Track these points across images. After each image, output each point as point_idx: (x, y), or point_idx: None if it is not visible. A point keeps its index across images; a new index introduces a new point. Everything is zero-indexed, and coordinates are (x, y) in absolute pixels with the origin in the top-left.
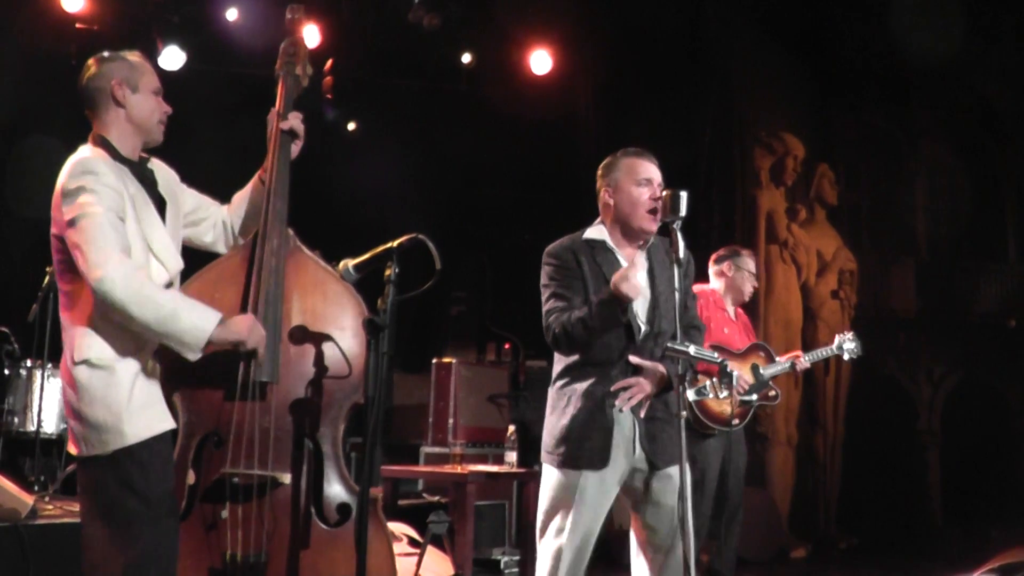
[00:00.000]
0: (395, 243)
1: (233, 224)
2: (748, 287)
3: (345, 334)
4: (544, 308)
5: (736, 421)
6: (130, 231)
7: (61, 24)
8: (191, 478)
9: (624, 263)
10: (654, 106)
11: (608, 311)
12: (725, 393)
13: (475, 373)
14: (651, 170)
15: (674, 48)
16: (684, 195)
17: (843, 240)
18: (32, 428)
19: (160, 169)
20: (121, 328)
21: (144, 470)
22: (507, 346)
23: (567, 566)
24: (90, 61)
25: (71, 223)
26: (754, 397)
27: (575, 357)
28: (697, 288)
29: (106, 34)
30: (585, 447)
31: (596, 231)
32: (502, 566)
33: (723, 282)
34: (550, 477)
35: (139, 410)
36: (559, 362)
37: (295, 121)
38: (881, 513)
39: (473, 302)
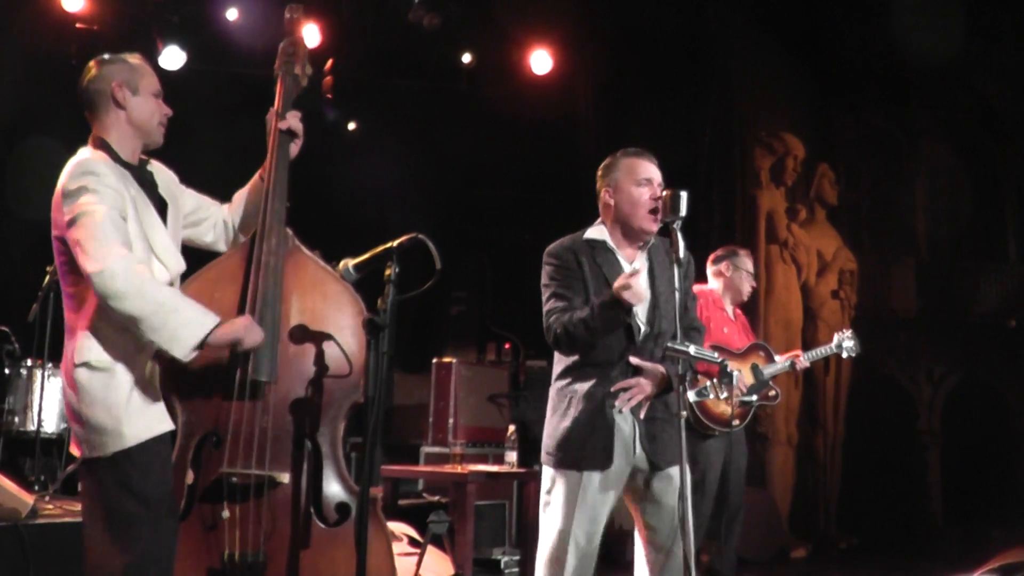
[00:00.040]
0: (395, 243)
1: (234, 222)
2: (746, 287)
3: (344, 333)
4: (544, 308)
5: (736, 422)
6: (132, 232)
7: (61, 24)
8: (190, 478)
9: (624, 263)
10: (654, 106)
11: (610, 314)
12: (725, 394)
13: (475, 373)
14: (651, 170)
15: (674, 48)
16: (684, 195)
17: (843, 240)
18: (32, 428)
19: (160, 171)
20: (122, 331)
21: (143, 471)
22: (507, 346)
23: (572, 568)
24: (90, 63)
25: (72, 222)
26: (754, 398)
27: (575, 358)
28: (696, 288)
29: (106, 34)
30: (587, 448)
31: (597, 231)
32: (502, 566)
33: (721, 282)
34: (552, 479)
35: (138, 412)
36: (559, 363)
37: (293, 121)
38: (881, 513)
39: (473, 302)
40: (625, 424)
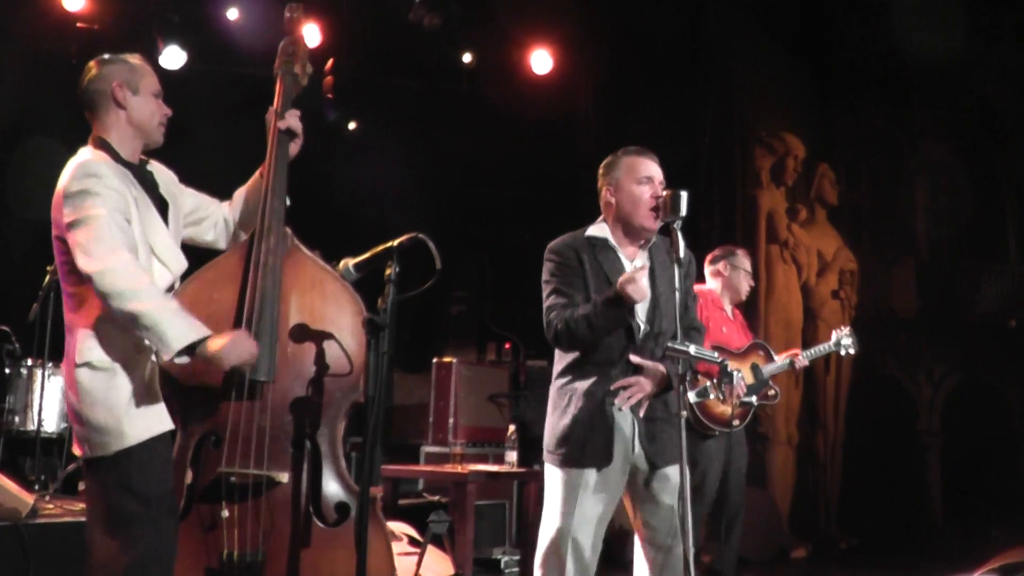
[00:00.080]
0: (395, 242)
1: (234, 219)
2: (745, 286)
3: (343, 333)
4: (545, 304)
5: (736, 422)
6: (135, 234)
7: (62, 23)
8: (189, 477)
9: (625, 261)
10: (654, 106)
11: (612, 311)
12: (725, 395)
13: (475, 373)
14: (652, 168)
15: (674, 48)
16: (684, 195)
17: (843, 240)
18: (33, 427)
19: (160, 171)
20: (123, 331)
21: (144, 471)
22: (507, 346)
23: (571, 566)
24: (90, 63)
25: (74, 225)
26: (754, 398)
27: (575, 356)
28: (695, 288)
29: (107, 34)
30: (586, 446)
31: (598, 229)
32: (502, 566)
33: (720, 282)
34: (553, 476)
35: (139, 412)
36: (560, 361)
37: (292, 120)
38: (881, 513)
39: (473, 302)
40: (625, 423)
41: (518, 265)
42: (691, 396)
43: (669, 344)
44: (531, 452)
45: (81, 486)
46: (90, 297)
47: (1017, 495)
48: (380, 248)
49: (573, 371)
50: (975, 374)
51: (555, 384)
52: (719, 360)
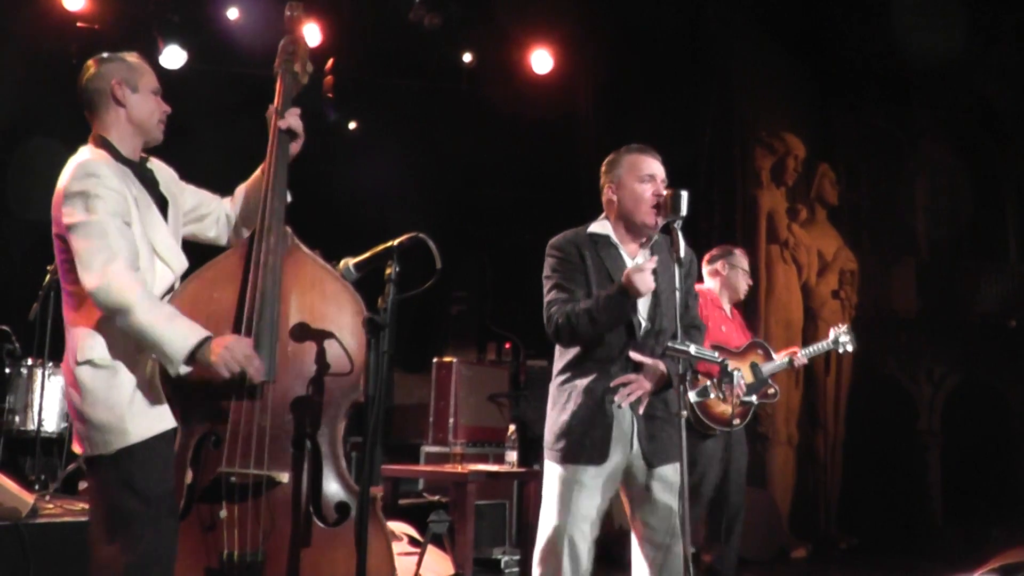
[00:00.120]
0: (395, 242)
1: (236, 216)
2: (743, 285)
3: (343, 332)
4: (546, 299)
5: (737, 421)
6: (136, 234)
7: (62, 23)
8: (189, 477)
9: (627, 259)
10: (654, 106)
11: (616, 305)
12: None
13: (475, 372)
14: (654, 166)
15: (674, 48)
16: (685, 195)
17: (844, 240)
18: (33, 427)
19: (160, 169)
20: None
21: (145, 469)
22: (507, 346)
23: (568, 561)
24: (89, 62)
25: (73, 229)
26: (754, 397)
27: (576, 353)
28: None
29: (107, 33)
30: (584, 443)
31: (600, 226)
32: (502, 566)
33: (718, 281)
34: (551, 472)
35: (141, 410)
36: (560, 358)
37: (293, 120)
38: (881, 513)
39: (473, 302)
40: (624, 420)
41: (518, 265)
42: (691, 396)
43: (669, 344)
44: (531, 452)
45: (82, 485)
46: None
47: (1017, 495)
48: (380, 248)
49: (573, 368)
50: (975, 374)
51: (555, 381)
52: (719, 360)
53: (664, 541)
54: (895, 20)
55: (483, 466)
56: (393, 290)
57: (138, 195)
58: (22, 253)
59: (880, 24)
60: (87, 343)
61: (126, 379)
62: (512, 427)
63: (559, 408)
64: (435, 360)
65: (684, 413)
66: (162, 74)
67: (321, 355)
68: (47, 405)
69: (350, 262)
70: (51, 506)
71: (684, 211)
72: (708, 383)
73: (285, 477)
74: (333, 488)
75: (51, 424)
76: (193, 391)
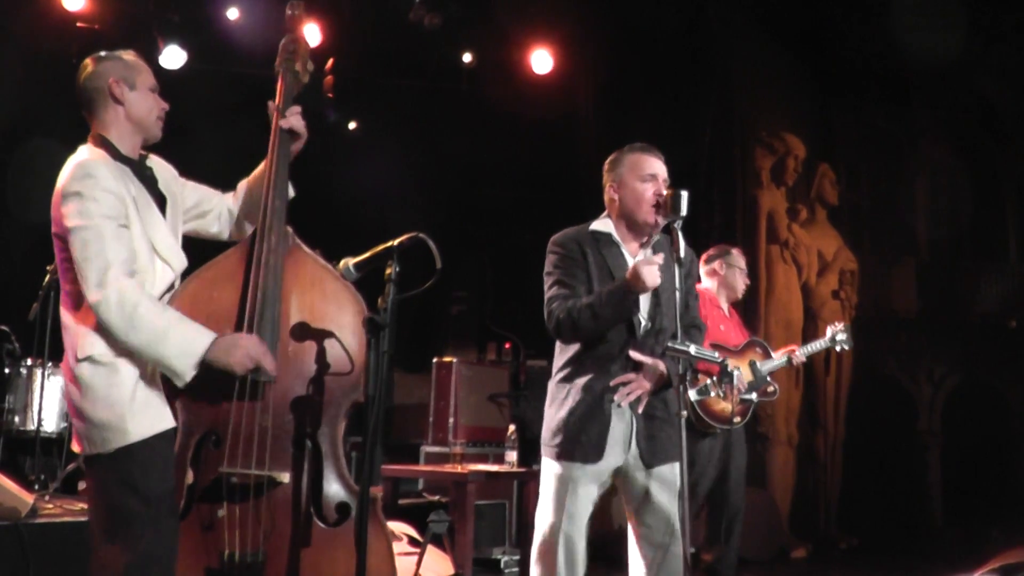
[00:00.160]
0: (395, 242)
1: (238, 210)
2: (740, 284)
3: (344, 332)
4: (547, 295)
5: (737, 419)
6: (134, 234)
7: (62, 23)
8: (189, 477)
9: (628, 257)
10: (654, 106)
11: (619, 299)
12: (726, 386)
13: (475, 372)
14: (656, 165)
15: (674, 48)
16: (685, 195)
17: (844, 240)
18: (32, 427)
19: (159, 166)
20: None
21: (144, 468)
22: (507, 346)
23: (563, 558)
24: (86, 61)
25: (71, 231)
26: (754, 395)
27: (576, 351)
28: None
29: (107, 33)
30: (581, 440)
31: (602, 224)
32: (502, 566)
33: (716, 280)
34: (547, 469)
35: (142, 408)
36: (560, 355)
37: (295, 119)
38: (881, 513)
39: (473, 302)
40: (622, 419)
41: (518, 265)
42: (692, 394)
43: (669, 344)
44: (531, 452)
45: (81, 485)
46: None
47: (1017, 495)
48: (380, 248)
49: (573, 365)
50: (975, 374)
51: (554, 378)
52: (719, 360)
53: (662, 541)
54: (895, 20)
55: (483, 466)
56: (393, 290)
57: (137, 194)
58: (22, 253)
59: (880, 24)
60: (87, 340)
61: (127, 377)
62: (512, 427)
63: (557, 405)
64: (435, 360)
65: (684, 413)
66: (162, 74)
67: (322, 355)
68: (47, 405)
69: (350, 262)
70: (51, 506)
71: (684, 211)
72: (708, 381)
73: (286, 477)
74: (334, 488)
75: (51, 424)
76: (194, 391)
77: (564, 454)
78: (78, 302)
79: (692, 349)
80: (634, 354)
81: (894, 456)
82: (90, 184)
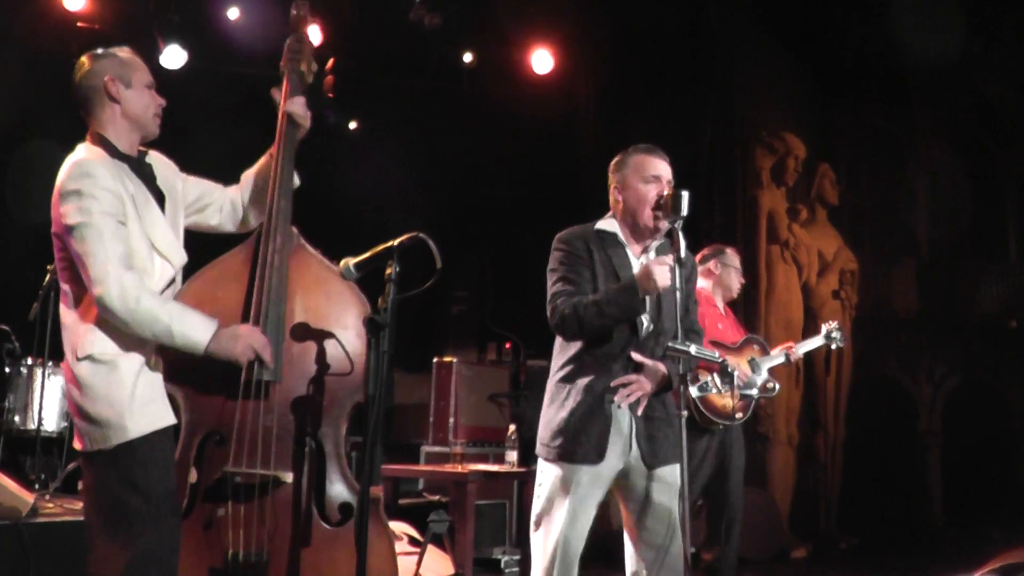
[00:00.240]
0: (396, 242)
1: (244, 200)
2: (736, 283)
3: (348, 333)
4: (550, 291)
5: (739, 415)
6: (132, 232)
7: (62, 23)
8: (193, 476)
9: (633, 258)
10: (655, 106)
11: (627, 298)
12: (727, 388)
13: (476, 372)
14: (660, 167)
15: (674, 48)
16: (686, 195)
17: (844, 240)
18: (33, 426)
19: (159, 162)
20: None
21: (145, 466)
22: (508, 345)
23: (561, 560)
24: (82, 59)
25: (71, 230)
26: (755, 391)
27: (576, 350)
28: None
29: (107, 33)
30: (581, 441)
31: (607, 223)
32: (502, 565)
33: (711, 280)
34: (546, 471)
35: (142, 405)
36: (560, 354)
37: (299, 106)
38: (881, 513)
39: (474, 302)
40: (623, 420)
41: (518, 265)
42: (693, 391)
43: (670, 344)
44: (531, 452)
45: (81, 485)
46: (88, 292)
47: (1017, 495)
48: (380, 248)
49: (573, 365)
50: (975, 374)
51: (554, 378)
52: (720, 359)
53: (662, 543)
54: (895, 20)
55: (483, 466)
56: (393, 290)
57: (135, 191)
58: (22, 253)
59: (880, 24)
60: (87, 339)
61: (126, 375)
62: (512, 427)
63: (557, 405)
64: (435, 360)
65: (684, 413)
66: (162, 74)
67: (325, 355)
68: (47, 404)
69: (350, 262)
70: (51, 505)
71: (685, 211)
72: (708, 378)
73: (290, 477)
74: (337, 489)
75: (51, 423)
76: (197, 390)
77: (565, 456)
78: (78, 301)
79: (692, 349)
80: (635, 355)
81: (894, 456)
82: (88, 183)
